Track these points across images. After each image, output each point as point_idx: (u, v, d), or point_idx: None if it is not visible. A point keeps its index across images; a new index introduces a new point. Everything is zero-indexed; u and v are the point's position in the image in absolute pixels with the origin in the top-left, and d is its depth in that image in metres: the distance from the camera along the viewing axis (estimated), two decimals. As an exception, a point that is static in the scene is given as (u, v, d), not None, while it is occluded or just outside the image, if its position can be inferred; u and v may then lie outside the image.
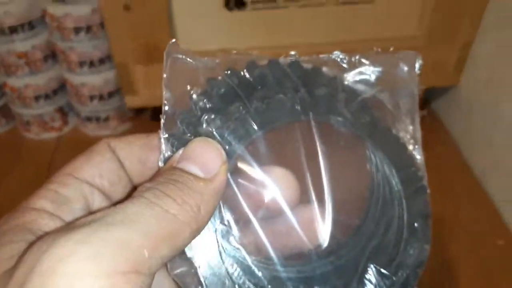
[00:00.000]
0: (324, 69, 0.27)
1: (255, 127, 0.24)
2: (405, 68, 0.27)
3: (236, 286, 0.25)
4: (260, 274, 0.26)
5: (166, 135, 0.25)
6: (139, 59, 0.75)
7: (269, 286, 0.26)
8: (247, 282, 0.25)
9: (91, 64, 0.82)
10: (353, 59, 0.27)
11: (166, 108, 0.25)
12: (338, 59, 0.27)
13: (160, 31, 0.71)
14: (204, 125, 0.24)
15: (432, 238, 0.28)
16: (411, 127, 0.28)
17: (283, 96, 0.24)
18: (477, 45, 0.79)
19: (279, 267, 0.27)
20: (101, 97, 0.86)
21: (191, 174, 0.22)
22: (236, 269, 0.25)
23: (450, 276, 0.66)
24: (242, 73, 0.26)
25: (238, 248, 0.26)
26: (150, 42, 0.72)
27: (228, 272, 0.24)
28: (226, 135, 0.24)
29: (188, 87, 0.26)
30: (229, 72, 0.26)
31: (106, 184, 0.26)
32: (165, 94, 0.25)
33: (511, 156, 0.71)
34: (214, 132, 0.24)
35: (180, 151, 0.23)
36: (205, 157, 0.23)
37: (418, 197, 0.27)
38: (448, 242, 0.70)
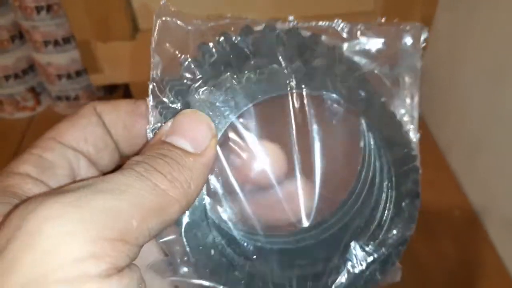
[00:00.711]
0: (323, 37, 0.26)
1: (246, 99, 0.23)
2: (410, 41, 0.26)
3: (222, 256, 0.25)
4: (245, 245, 0.26)
5: (154, 103, 0.24)
6: (99, 36, 0.76)
7: (254, 257, 0.26)
8: (233, 253, 0.25)
9: (56, 43, 0.83)
10: (354, 29, 0.25)
11: (154, 74, 0.24)
12: (339, 28, 0.25)
13: (117, 9, 0.73)
14: (194, 95, 0.23)
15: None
16: (409, 103, 0.27)
17: (277, 67, 0.23)
18: (436, 23, 0.79)
19: (263, 239, 0.27)
20: (68, 76, 0.88)
21: (180, 149, 0.22)
22: (222, 240, 0.25)
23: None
24: (235, 38, 0.25)
25: (224, 220, 0.26)
26: (107, 19, 0.73)
27: (214, 242, 0.24)
28: (216, 106, 0.23)
29: (178, 53, 0.25)
30: (221, 38, 0.25)
31: (91, 149, 0.25)
32: (154, 59, 0.24)
33: (469, 127, 0.72)
34: (204, 104, 0.23)
35: (169, 123, 0.23)
36: (194, 131, 0.22)
37: (409, 177, 0.26)
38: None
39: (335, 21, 0.26)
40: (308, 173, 0.27)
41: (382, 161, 0.27)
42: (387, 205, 0.27)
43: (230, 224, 0.26)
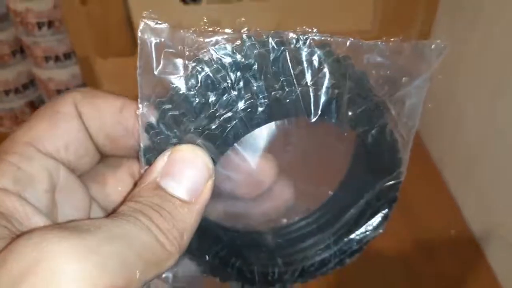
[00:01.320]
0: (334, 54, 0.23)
1: (246, 127, 0.22)
2: (427, 59, 0.24)
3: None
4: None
5: (144, 127, 0.23)
6: (99, 52, 0.77)
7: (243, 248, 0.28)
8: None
9: (57, 58, 0.84)
10: (367, 45, 0.23)
11: (142, 95, 0.23)
12: (350, 42, 0.23)
13: (117, 25, 0.74)
14: (189, 127, 0.22)
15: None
16: (409, 124, 0.26)
17: (281, 94, 0.21)
18: (433, 37, 0.80)
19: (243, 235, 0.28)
20: (68, 91, 0.88)
21: (176, 199, 0.21)
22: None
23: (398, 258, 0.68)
24: (233, 54, 0.22)
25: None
26: (108, 35, 0.74)
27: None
28: (214, 134, 0.21)
29: (166, 74, 0.23)
30: (215, 57, 0.22)
31: (72, 158, 0.24)
32: (140, 80, 0.22)
33: (464, 141, 0.72)
34: (199, 141, 0.21)
35: (165, 158, 0.22)
36: (191, 176, 0.21)
37: (393, 188, 0.27)
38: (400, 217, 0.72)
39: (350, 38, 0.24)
40: (295, 174, 0.27)
41: (368, 175, 0.27)
42: (366, 211, 0.28)
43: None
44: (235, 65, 0.22)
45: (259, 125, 0.22)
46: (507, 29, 0.60)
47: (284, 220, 0.30)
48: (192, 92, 0.22)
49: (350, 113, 0.23)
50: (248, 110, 0.21)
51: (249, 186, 0.27)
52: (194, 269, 0.27)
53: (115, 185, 0.26)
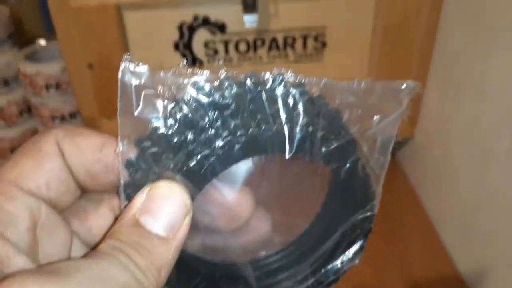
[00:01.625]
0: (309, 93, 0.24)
1: (222, 166, 0.23)
2: (399, 98, 0.25)
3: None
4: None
5: (124, 163, 0.23)
6: (104, 113, 0.79)
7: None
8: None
9: (63, 118, 0.87)
10: (341, 86, 0.24)
11: (122, 137, 0.23)
12: (324, 82, 0.24)
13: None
14: (168, 164, 0.22)
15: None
16: (380, 160, 0.26)
17: (258, 131, 0.22)
18: (426, 101, 0.83)
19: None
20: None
21: (155, 236, 0.22)
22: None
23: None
24: (211, 94, 0.23)
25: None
26: (112, 98, 0.77)
27: None
28: (190, 174, 0.22)
29: (147, 113, 0.23)
30: (194, 97, 0.23)
31: (53, 195, 0.24)
32: (120, 120, 0.23)
33: (460, 202, 0.74)
34: (177, 177, 0.22)
35: (144, 194, 0.22)
36: (169, 213, 0.22)
37: (366, 222, 0.28)
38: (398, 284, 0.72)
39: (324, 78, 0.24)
40: (269, 206, 0.28)
41: (343, 208, 0.28)
42: (342, 242, 0.29)
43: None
44: (213, 105, 0.23)
45: (236, 161, 0.23)
46: (499, 92, 0.63)
47: (263, 253, 0.30)
48: (171, 131, 0.23)
49: (323, 150, 0.24)
50: (226, 147, 0.22)
51: (227, 219, 0.28)
52: None
53: (96, 220, 0.27)
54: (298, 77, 0.24)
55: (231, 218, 0.27)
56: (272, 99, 0.23)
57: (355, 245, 0.29)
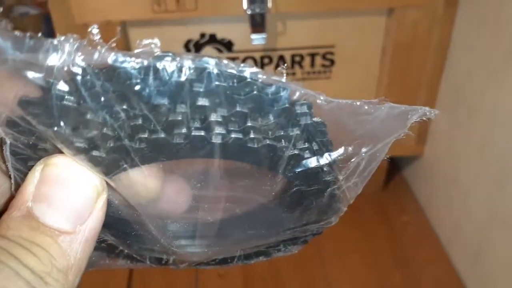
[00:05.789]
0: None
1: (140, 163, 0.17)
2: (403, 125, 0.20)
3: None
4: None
5: (10, 139, 0.16)
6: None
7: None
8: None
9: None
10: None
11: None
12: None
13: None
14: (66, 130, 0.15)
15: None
16: (356, 186, 0.22)
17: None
18: (436, 120, 0.82)
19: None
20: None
21: (53, 230, 0.16)
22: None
23: None
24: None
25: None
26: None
27: None
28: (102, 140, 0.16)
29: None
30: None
31: None
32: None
33: (471, 226, 0.72)
34: (82, 144, 0.16)
35: (36, 174, 0.17)
36: (71, 199, 0.17)
37: (321, 228, 0.25)
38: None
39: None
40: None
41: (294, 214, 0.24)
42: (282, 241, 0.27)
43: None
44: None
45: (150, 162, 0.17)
46: (509, 117, 0.61)
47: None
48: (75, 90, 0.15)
49: (289, 169, 0.19)
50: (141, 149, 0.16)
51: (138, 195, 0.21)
52: None
53: None
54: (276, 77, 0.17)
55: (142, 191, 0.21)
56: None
57: (298, 245, 0.27)
